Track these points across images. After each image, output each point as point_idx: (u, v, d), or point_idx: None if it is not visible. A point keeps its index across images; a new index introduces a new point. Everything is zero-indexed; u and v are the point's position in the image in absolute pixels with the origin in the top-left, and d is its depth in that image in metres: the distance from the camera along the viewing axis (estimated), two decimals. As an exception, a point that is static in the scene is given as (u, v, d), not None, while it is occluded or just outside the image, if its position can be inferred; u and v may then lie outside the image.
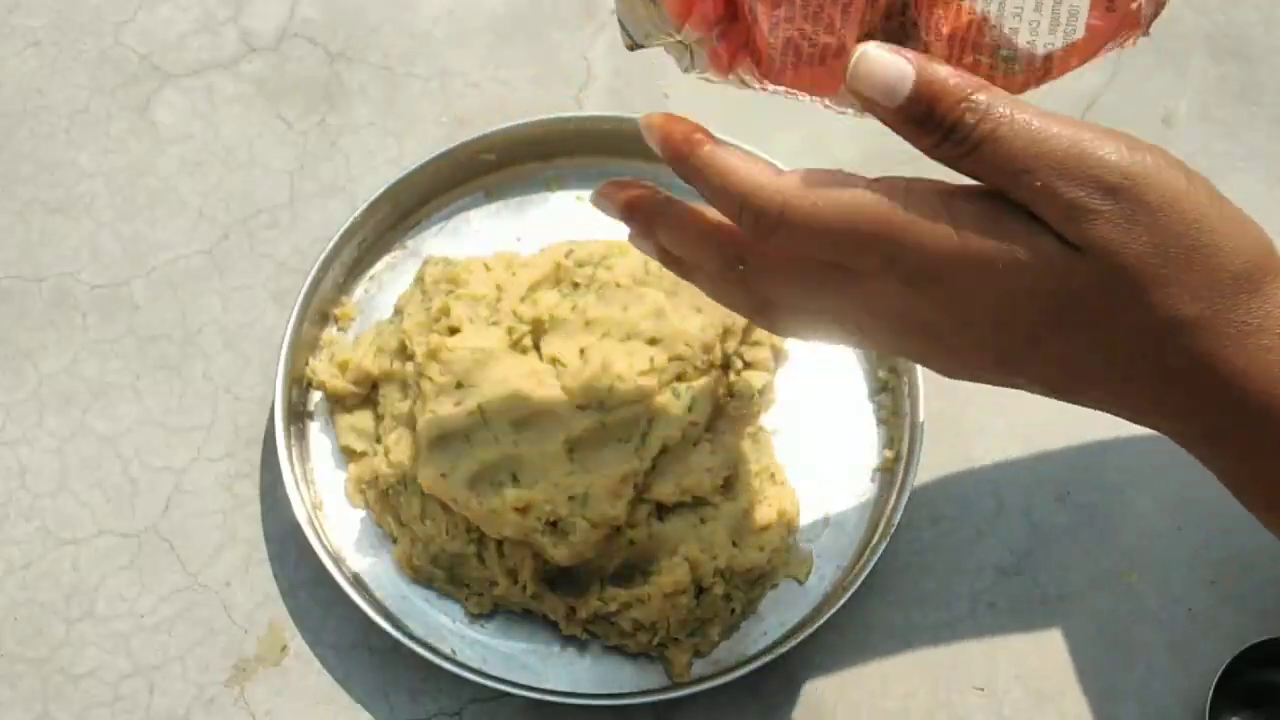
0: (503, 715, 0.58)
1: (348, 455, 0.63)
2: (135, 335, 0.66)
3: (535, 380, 0.57)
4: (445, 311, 0.59)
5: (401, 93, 0.74)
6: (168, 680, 0.59)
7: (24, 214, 0.70)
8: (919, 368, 0.60)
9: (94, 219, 0.70)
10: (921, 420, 0.60)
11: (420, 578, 0.59)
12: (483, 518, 0.56)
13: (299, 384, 0.63)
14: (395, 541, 0.60)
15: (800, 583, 0.60)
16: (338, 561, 0.58)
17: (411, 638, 0.57)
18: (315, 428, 0.63)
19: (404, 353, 0.61)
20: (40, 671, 0.59)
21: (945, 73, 0.31)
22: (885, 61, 0.30)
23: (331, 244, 0.64)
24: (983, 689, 0.59)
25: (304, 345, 0.63)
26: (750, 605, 0.59)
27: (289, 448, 0.60)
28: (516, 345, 0.58)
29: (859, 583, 0.58)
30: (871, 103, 0.31)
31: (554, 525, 0.55)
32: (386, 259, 0.67)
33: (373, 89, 0.74)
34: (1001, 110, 0.31)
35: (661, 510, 0.58)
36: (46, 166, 0.71)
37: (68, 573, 0.61)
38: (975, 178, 0.32)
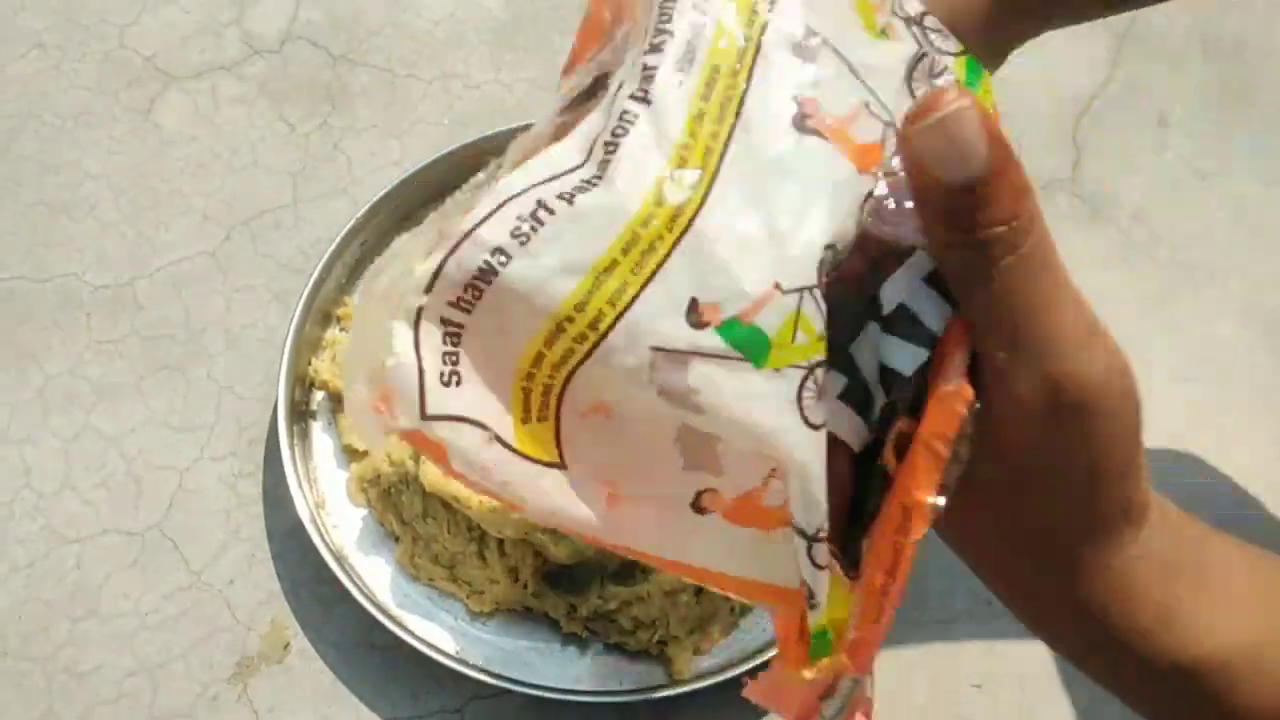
0: (504, 712, 0.58)
1: (350, 454, 0.63)
2: (139, 336, 0.67)
3: (536, 380, 0.57)
4: (447, 312, 0.59)
5: (403, 95, 0.74)
6: (171, 678, 0.59)
7: (28, 215, 0.70)
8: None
9: (98, 220, 0.70)
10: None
11: (422, 576, 0.60)
12: (484, 516, 0.56)
13: (301, 384, 0.64)
14: (397, 540, 0.61)
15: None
16: (340, 560, 0.59)
17: (413, 636, 0.57)
18: (318, 427, 0.64)
19: (406, 353, 0.61)
20: (44, 669, 0.59)
21: (1012, 155, 0.24)
22: (974, 124, 0.23)
23: (334, 245, 0.64)
24: (980, 686, 0.60)
25: (306, 345, 0.64)
26: (750, 604, 0.59)
27: (292, 447, 0.60)
28: (517, 345, 0.59)
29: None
30: (923, 170, 0.23)
31: (555, 524, 0.56)
32: (388, 260, 0.68)
33: (374, 91, 0.74)
34: (1047, 241, 0.25)
35: (661, 509, 0.58)
36: (51, 168, 0.71)
37: (72, 571, 0.61)
38: (970, 300, 0.26)
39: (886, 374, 0.25)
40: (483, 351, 0.24)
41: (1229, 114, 0.76)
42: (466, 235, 0.23)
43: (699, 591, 0.57)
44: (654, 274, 0.23)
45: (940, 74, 0.28)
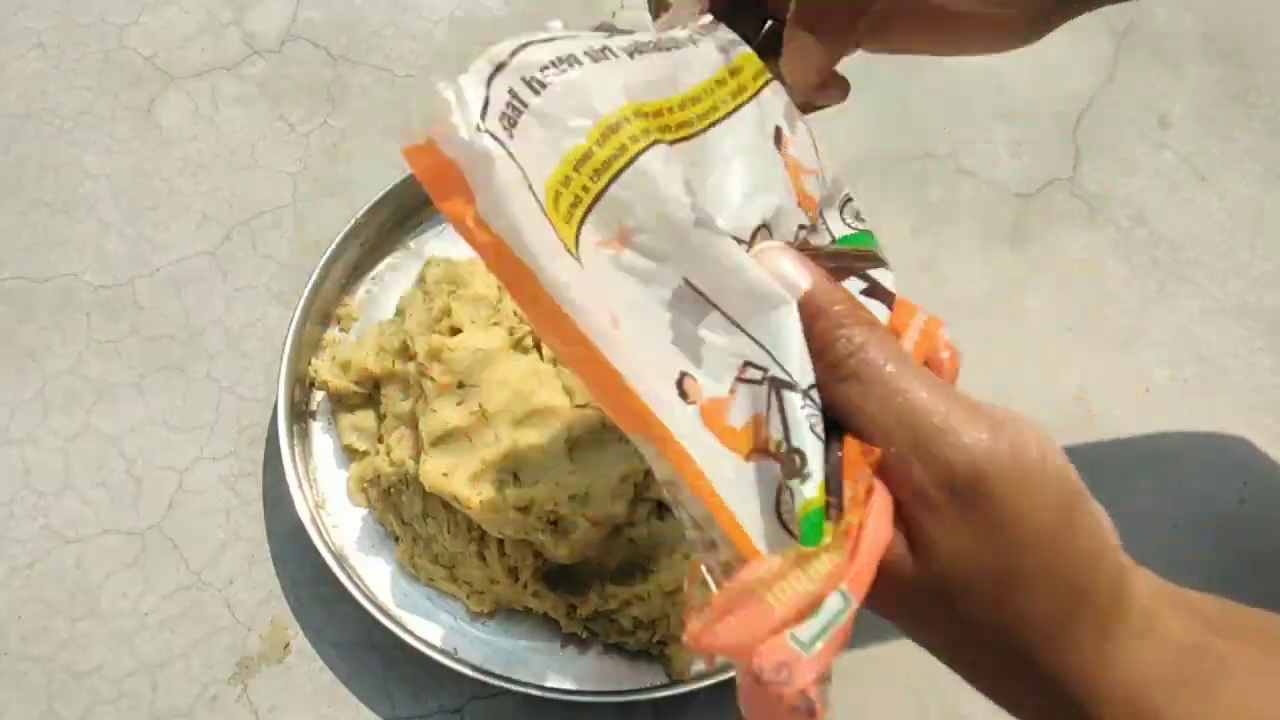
0: (503, 712, 0.58)
1: (350, 454, 0.63)
2: (139, 335, 0.67)
3: (536, 380, 0.57)
4: (447, 312, 0.60)
5: (403, 95, 0.74)
6: (171, 678, 0.59)
7: (28, 215, 0.70)
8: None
9: (98, 220, 0.70)
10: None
11: (422, 576, 0.60)
12: (484, 516, 0.56)
13: (301, 384, 0.64)
14: (397, 540, 0.61)
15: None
16: (340, 560, 0.59)
17: (413, 635, 0.57)
18: (318, 427, 0.64)
19: (406, 352, 0.61)
20: (44, 669, 0.59)
21: (832, 295, 0.28)
22: (785, 266, 0.28)
23: (334, 245, 0.64)
24: (980, 686, 0.60)
25: (306, 345, 0.64)
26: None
27: (291, 447, 0.60)
28: (518, 345, 0.59)
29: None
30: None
31: (555, 524, 0.56)
32: (388, 260, 0.68)
33: (374, 91, 0.74)
34: (874, 355, 0.27)
35: (662, 509, 0.58)
36: (51, 168, 0.71)
37: (72, 571, 0.61)
38: (851, 416, 0.28)
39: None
40: (541, 139, 0.25)
41: (1229, 114, 0.76)
42: (542, 39, 0.26)
43: (699, 591, 0.57)
44: (679, 140, 0.27)
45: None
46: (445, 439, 0.57)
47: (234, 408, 0.65)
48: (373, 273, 0.68)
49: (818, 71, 0.35)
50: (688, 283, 0.26)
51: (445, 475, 0.56)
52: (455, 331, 0.59)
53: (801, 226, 0.29)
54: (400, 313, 0.64)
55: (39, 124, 0.73)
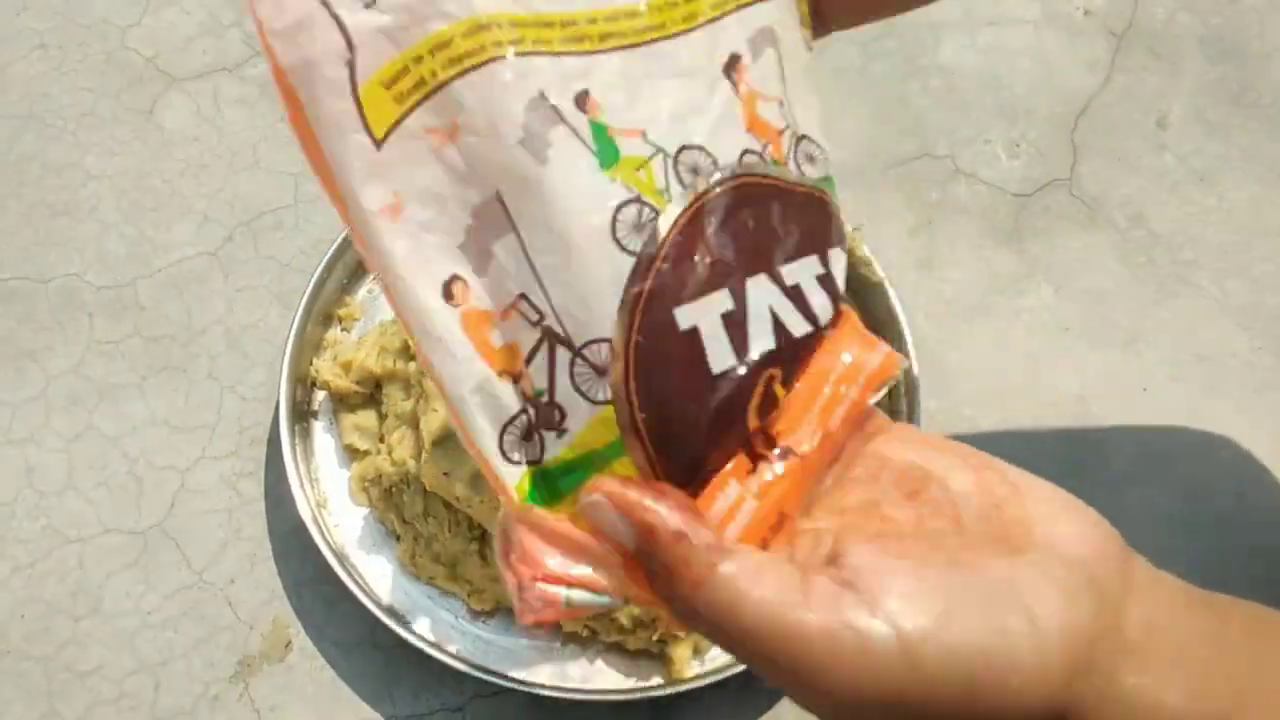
0: (504, 711, 0.59)
1: (351, 454, 0.63)
2: (141, 336, 0.67)
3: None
4: (448, 312, 0.60)
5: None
6: (172, 677, 0.59)
7: (30, 216, 0.70)
8: (915, 366, 0.61)
9: (100, 221, 0.70)
10: (918, 417, 0.61)
11: (423, 575, 0.60)
12: (485, 516, 0.57)
13: (303, 384, 0.64)
14: (398, 539, 0.61)
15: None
16: (341, 559, 0.59)
17: (414, 634, 0.57)
18: (319, 427, 0.64)
19: (407, 352, 0.61)
20: (46, 668, 0.59)
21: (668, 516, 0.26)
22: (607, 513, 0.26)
23: (335, 245, 0.65)
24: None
25: (308, 345, 0.64)
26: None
27: (293, 447, 0.61)
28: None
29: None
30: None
31: (555, 523, 0.56)
32: (389, 260, 0.68)
33: (375, 92, 0.74)
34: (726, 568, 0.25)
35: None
36: (53, 169, 0.72)
37: (74, 571, 0.61)
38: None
39: (777, 325, 0.28)
40: (407, 9, 0.25)
41: (1228, 115, 0.76)
42: None
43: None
44: (582, 53, 0.26)
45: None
46: (446, 439, 0.57)
47: (236, 408, 0.65)
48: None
49: None
50: (499, 197, 0.26)
51: (446, 475, 0.56)
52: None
53: (749, 151, 0.29)
54: (401, 313, 0.64)
55: (41, 125, 0.73)
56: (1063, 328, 0.69)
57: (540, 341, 0.27)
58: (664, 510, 0.26)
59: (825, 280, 0.30)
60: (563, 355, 0.26)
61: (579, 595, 0.27)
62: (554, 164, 0.26)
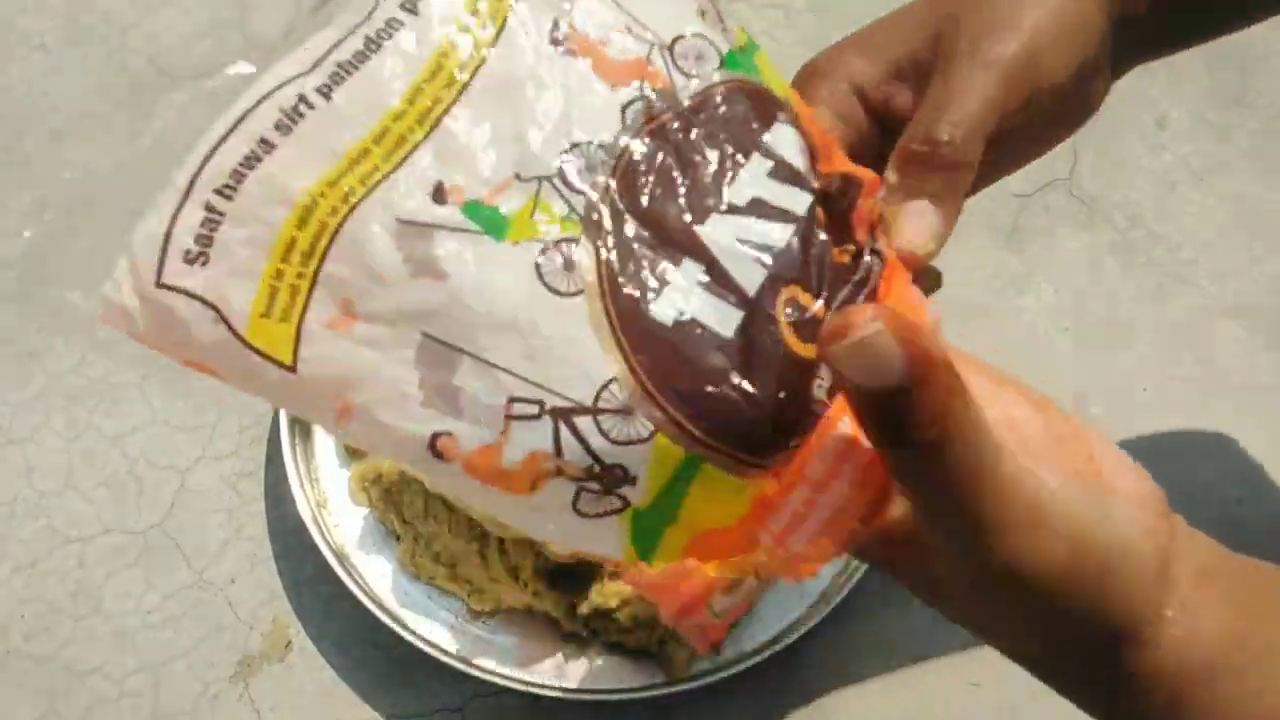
0: (504, 711, 0.59)
1: (351, 454, 0.63)
2: (141, 336, 0.67)
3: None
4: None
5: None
6: (173, 677, 0.59)
7: (31, 216, 0.70)
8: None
9: (100, 221, 0.70)
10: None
11: (423, 575, 0.60)
12: (485, 516, 0.57)
13: (303, 384, 0.64)
14: (398, 539, 0.61)
15: (797, 581, 0.60)
16: (341, 559, 0.59)
17: (414, 634, 0.57)
18: (319, 427, 0.64)
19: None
20: (47, 668, 0.59)
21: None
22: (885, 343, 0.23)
23: (335, 245, 0.65)
24: (978, 685, 0.60)
25: (308, 345, 0.64)
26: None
27: (293, 446, 0.61)
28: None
29: (856, 580, 0.58)
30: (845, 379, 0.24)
31: (555, 523, 0.56)
32: (389, 260, 0.68)
33: (376, 92, 0.74)
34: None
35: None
36: (53, 169, 0.72)
37: (74, 570, 0.61)
38: (907, 491, 0.27)
39: (758, 248, 0.27)
40: (243, 242, 0.25)
41: (1227, 115, 0.76)
42: (232, 128, 0.27)
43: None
44: (404, 160, 0.25)
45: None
46: (446, 438, 0.57)
47: (236, 407, 0.65)
48: (374, 273, 0.68)
49: (938, 240, 0.33)
50: (427, 336, 0.25)
51: (446, 475, 0.56)
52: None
53: (628, 105, 0.27)
54: (401, 313, 0.64)
55: (41, 125, 0.73)
56: (1062, 328, 0.69)
57: (556, 426, 0.25)
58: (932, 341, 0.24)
59: (780, 168, 0.28)
60: (584, 422, 0.25)
61: (717, 604, 0.27)
62: (455, 271, 0.25)
